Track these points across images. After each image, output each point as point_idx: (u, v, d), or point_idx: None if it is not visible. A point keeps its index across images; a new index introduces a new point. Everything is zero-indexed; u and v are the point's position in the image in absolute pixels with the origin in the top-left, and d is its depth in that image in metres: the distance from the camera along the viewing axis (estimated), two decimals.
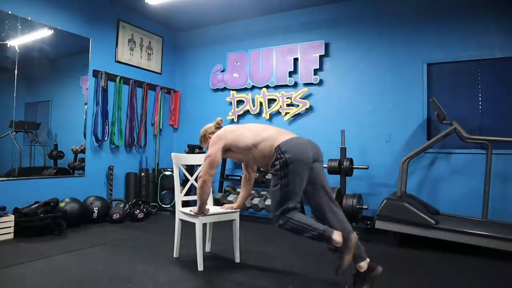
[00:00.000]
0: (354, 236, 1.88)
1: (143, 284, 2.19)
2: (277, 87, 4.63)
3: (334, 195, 3.55)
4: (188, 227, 2.75)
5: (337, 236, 1.88)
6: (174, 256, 2.74)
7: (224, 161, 4.69)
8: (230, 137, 2.27)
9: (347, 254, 1.84)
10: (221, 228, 3.07)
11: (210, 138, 2.41)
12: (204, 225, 2.56)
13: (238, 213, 2.65)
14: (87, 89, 4.23)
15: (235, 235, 2.65)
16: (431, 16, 3.86)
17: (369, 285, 1.95)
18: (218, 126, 2.51)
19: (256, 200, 4.16)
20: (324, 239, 1.90)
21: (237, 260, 2.65)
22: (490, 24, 3.60)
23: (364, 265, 1.96)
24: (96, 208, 3.87)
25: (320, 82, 4.38)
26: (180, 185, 3.11)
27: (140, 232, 3.59)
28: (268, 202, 4.07)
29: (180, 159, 2.81)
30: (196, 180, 2.91)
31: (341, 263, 1.84)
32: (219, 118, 2.55)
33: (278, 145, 2.04)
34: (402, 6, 4.01)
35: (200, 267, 2.44)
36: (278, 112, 4.60)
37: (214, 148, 2.27)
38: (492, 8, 3.60)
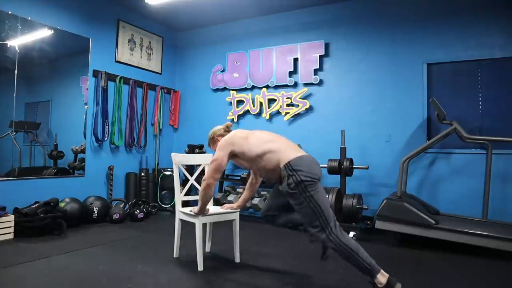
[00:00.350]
0: (399, 285, 1.88)
1: (143, 284, 2.19)
2: (277, 87, 4.62)
3: (333, 196, 3.58)
4: (188, 227, 2.75)
5: (382, 278, 1.88)
6: (174, 256, 2.74)
7: None
8: (238, 145, 2.23)
9: None
10: (221, 228, 3.07)
11: (219, 140, 2.39)
12: (204, 225, 2.56)
13: (238, 213, 2.65)
14: (87, 89, 4.23)
15: (235, 235, 2.65)
16: (431, 16, 3.86)
17: None
18: (228, 130, 2.48)
19: (256, 200, 4.15)
20: (368, 274, 1.91)
21: (237, 260, 2.65)
22: (490, 24, 3.60)
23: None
24: (96, 208, 3.87)
25: (320, 82, 4.38)
26: (180, 185, 3.11)
27: (140, 232, 3.59)
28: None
29: (180, 159, 2.81)
30: (196, 180, 2.91)
31: None
32: (229, 123, 2.52)
33: (288, 162, 2.01)
34: (402, 6, 4.01)
35: (200, 267, 2.44)
36: (278, 112, 4.60)
37: (221, 153, 2.24)
38: (492, 8, 3.60)
